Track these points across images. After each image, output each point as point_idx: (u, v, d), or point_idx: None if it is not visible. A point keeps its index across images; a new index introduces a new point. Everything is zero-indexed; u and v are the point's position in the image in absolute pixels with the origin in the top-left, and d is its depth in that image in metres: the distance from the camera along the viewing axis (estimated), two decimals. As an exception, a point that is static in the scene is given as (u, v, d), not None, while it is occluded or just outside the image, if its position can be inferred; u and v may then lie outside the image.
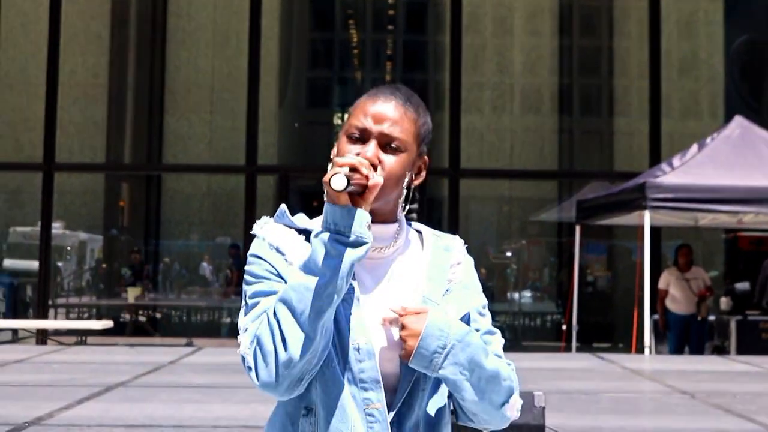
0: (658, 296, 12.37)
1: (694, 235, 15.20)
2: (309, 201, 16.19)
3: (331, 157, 1.93)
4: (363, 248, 1.82)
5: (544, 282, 18.29)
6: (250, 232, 1.97)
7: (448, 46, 16.04)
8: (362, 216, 1.82)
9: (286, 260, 1.91)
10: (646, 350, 11.18)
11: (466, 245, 2.08)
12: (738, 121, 12.13)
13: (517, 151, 17.41)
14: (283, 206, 2.00)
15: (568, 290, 13.89)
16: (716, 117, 17.16)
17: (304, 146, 19.38)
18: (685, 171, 11.37)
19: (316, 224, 1.94)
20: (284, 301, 1.81)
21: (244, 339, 1.86)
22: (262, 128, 15.56)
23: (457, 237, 2.12)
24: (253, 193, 15.32)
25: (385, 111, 1.93)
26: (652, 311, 11.69)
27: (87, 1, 17.31)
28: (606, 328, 16.48)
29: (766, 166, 11.29)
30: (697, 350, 12.19)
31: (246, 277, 1.93)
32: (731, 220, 12.65)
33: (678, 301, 12.33)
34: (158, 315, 17.08)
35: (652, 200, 10.95)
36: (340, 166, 1.79)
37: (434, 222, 16.40)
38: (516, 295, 17.47)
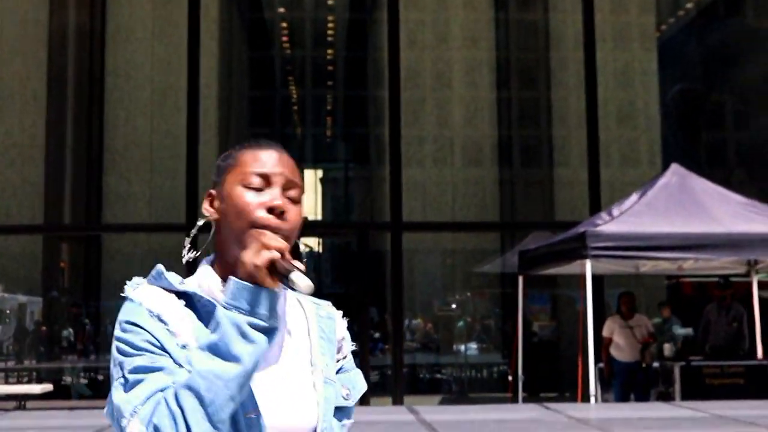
0: (602, 344, 12.41)
1: (636, 282, 15.30)
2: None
3: (208, 214, 1.86)
4: (276, 333, 1.72)
5: (490, 333, 18.30)
6: (122, 294, 1.80)
7: (387, 100, 16.11)
8: (280, 298, 1.74)
9: (168, 330, 1.76)
10: (592, 399, 11.19)
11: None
12: (674, 168, 12.25)
13: (458, 203, 17.47)
14: (160, 266, 1.85)
15: (513, 341, 13.90)
16: (654, 165, 17.36)
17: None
18: (625, 219, 11.44)
19: (192, 286, 1.84)
20: (190, 389, 1.64)
21: (135, 424, 1.66)
22: (202, 186, 15.48)
23: (330, 303, 2.03)
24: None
25: (279, 158, 1.86)
26: (597, 359, 11.71)
27: (23, 61, 17.18)
28: (552, 377, 16.49)
29: (704, 213, 11.40)
30: (643, 397, 12.23)
31: (121, 346, 1.75)
32: (671, 266, 12.76)
33: (622, 349, 12.38)
34: (99, 377, 16.81)
35: (592, 249, 10.99)
36: (278, 249, 1.68)
37: (378, 276, 16.42)
38: (462, 347, 17.45)
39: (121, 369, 1.73)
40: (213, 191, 1.88)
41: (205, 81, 16.25)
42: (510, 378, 13.85)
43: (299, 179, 1.88)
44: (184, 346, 1.75)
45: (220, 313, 1.68)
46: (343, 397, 1.93)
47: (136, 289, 1.82)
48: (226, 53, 18.69)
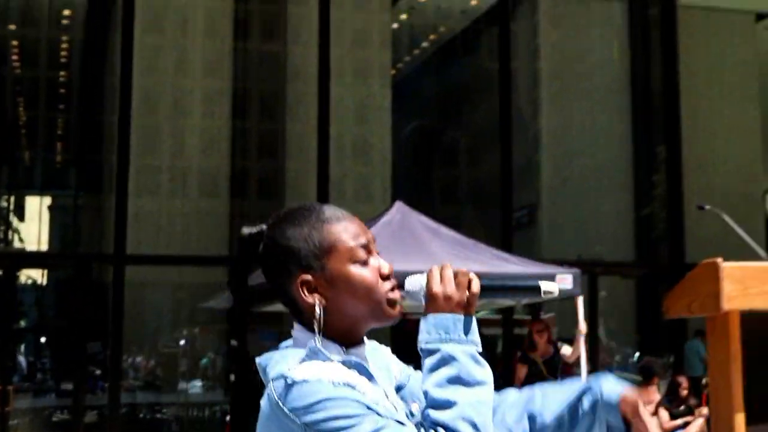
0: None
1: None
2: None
3: (315, 302, 1.87)
4: None
5: (215, 371, 17.99)
6: (290, 380, 1.74)
7: (116, 125, 15.66)
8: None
9: (359, 392, 1.77)
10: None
11: None
12: (398, 206, 12.38)
13: (189, 235, 17.16)
14: (314, 343, 1.83)
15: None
16: (386, 201, 17.62)
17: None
18: (346, 256, 11.48)
19: (336, 356, 1.84)
20: (465, 419, 1.75)
21: None
22: None
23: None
24: None
25: (357, 220, 1.97)
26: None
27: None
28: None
29: (423, 251, 11.59)
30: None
31: (339, 423, 1.71)
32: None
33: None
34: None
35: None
36: (468, 275, 1.89)
37: (100, 310, 15.87)
38: (185, 385, 17.05)
39: None
40: (309, 278, 1.87)
41: None
42: (228, 418, 13.62)
43: None
44: (376, 403, 1.77)
45: (447, 347, 1.81)
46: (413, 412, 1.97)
47: (297, 369, 1.78)
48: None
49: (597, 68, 19.52)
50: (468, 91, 21.45)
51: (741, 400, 5.83)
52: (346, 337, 1.88)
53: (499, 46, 17.64)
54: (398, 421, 1.77)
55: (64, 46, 20.34)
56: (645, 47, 19.50)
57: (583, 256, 17.04)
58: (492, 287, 1.95)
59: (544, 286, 1.91)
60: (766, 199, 23.45)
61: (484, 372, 1.82)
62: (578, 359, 10.97)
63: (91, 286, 15.06)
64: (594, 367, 15.31)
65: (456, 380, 1.79)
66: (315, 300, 1.86)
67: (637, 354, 18.44)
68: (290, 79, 18.46)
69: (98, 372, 16.33)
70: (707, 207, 7.93)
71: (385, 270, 1.93)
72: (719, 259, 5.94)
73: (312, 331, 1.88)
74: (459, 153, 22.09)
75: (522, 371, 11.52)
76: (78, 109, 20.33)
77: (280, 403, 1.75)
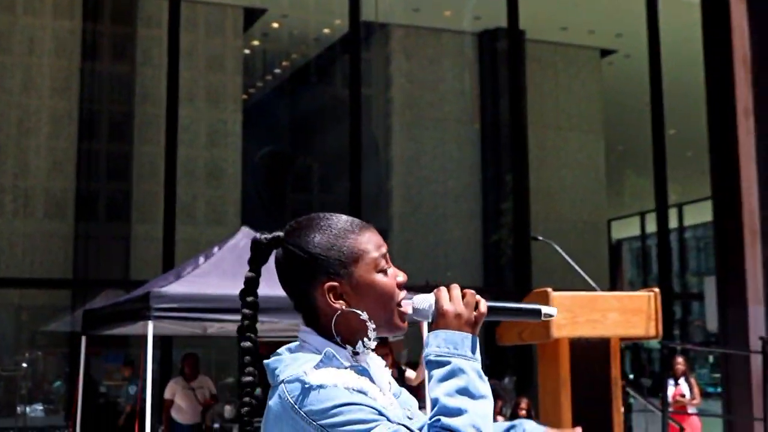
0: (164, 406, 12.21)
1: (207, 342, 15.27)
2: None
3: (338, 306, 2.00)
4: None
5: (57, 394, 17.55)
6: (306, 385, 1.87)
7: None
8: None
9: (371, 398, 1.89)
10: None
11: None
12: (244, 231, 12.31)
13: (33, 257, 16.71)
14: (330, 349, 1.96)
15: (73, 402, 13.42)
16: (236, 224, 17.51)
17: None
18: (191, 280, 11.32)
19: (346, 362, 1.96)
20: (475, 427, 1.87)
21: None
22: None
23: None
24: None
25: (378, 233, 2.09)
26: (160, 422, 11.51)
27: None
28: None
29: (269, 276, 11.50)
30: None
31: (355, 427, 1.83)
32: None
33: (183, 411, 12.24)
34: None
35: (156, 310, 10.75)
36: (476, 296, 2.04)
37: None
38: (27, 409, 16.59)
39: None
40: (335, 284, 2.00)
41: None
42: (70, 441, 13.33)
43: None
44: (384, 408, 1.89)
45: (458, 361, 1.94)
46: (410, 417, 2.09)
47: (314, 374, 1.89)
48: None
49: (448, 98, 19.82)
50: (321, 117, 21.51)
51: (570, 423, 5.99)
52: (356, 344, 2.02)
53: (351, 74, 17.78)
54: (407, 427, 1.90)
55: None
56: (494, 79, 19.91)
57: (432, 281, 17.22)
58: (496, 308, 2.09)
59: (545, 309, 2.05)
60: (610, 227, 24.18)
61: (487, 388, 1.95)
62: (422, 383, 11.09)
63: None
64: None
65: (464, 391, 1.91)
66: (341, 306, 1.99)
67: (482, 378, 18.70)
68: (139, 102, 18.21)
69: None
70: (540, 238, 8.11)
71: (401, 279, 2.07)
72: (549, 289, 6.11)
73: (325, 336, 2.02)
74: (311, 179, 22.10)
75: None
76: None
77: (296, 406, 1.87)
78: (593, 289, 6.74)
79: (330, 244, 2.02)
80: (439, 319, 2.01)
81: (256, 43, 20.36)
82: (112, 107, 19.09)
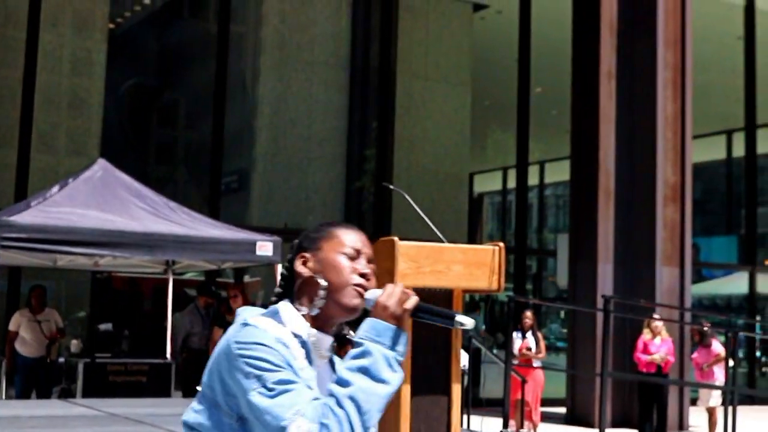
0: (7, 338, 11.96)
1: (61, 275, 14.98)
2: None
3: (303, 272, 2.33)
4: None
5: None
6: (243, 322, 2.19)
7: None
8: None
9: (292, 356, 2.16)
10: (-12, 395, 10.74)
11: None
12: (101, 163, 12.09)
13: None
14: (279, 306, 2.31)
15: None
16: (97, 156, 17.16)
17: None
18: (42, 209, 11.07)
19: (298, 329, 2.25)
20: (352, 399, 2.08)
21: (302, 422, 2.06)
22: None
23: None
24: None
25: (365, 239, 2.38)
26: (2, 354, 11.28)
27: None
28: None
29: (124, 210, 11.35)
30: (45, 394, 11.94)
31: (256, 362, 2.12)
32: (88, 261, 12.57)
33: (28, 344, 12.01)
34: None
35: (3, 239, 10.50)
36: (409, 295, 2.25)
37: None
38: None
39: (259, 380, 2.11)
40: (306, 254, 2.35)
41: None
42: None
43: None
44: (301, 370, 2.17)
45: (370, 345, 2.16)
46: None
47: (257, 318, 2.22)
48: None
49: (319, 41, 19.68)
50: (189, 52, 21.14)
51: (408, 374, 6.08)
52: (314, 318, 2.31)
53: (221, 10, 17.51)
54: (309, 387, 2.15)
55: None
56: (366, 24, 19.86)
57: (291, 224, 17.21)
58: (422, 308, 2.27)
59: (459, 318, 2.24)
60: (472, 181, 24.50)
61: (393, 376, 2.15)
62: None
63: None
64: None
65: (364, 370, 2.13)
66: (303, 271, 2.33)
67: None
68: (0, 23, 17.58)
69: None
70: (392, 187, 8.14)
71: (363, 270, 2.33)
72: (395, 238, 6.16)
73: (293, 299, 2.35)
74: (177, 114, 21.76)
75: (218, 334, 11.55)
76: None
77: (230, 337, 2.19)
78: (441, 241, 6.81)
79: (315, 230, 2.41)
80: (373, 309, 2.25)
81: (126, -29, 19.86)
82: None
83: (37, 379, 12.06)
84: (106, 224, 10.95)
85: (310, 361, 2.24)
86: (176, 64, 21.29)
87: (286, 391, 2.09)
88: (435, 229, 6.77)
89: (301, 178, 18.78)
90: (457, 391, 6.46)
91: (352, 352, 2.17)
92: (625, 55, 15.88)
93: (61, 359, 12.25)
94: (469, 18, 21.29)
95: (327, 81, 19.40)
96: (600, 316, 13.36)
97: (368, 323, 2.20)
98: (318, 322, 2.30)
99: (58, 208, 11.12)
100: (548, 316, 27.59)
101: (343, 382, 2.11)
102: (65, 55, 17.45)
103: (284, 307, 2.30)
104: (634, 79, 15.82)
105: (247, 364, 2.12)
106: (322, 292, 2.28)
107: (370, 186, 18.93)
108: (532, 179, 22.84)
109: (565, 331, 22.45)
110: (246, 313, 2.25)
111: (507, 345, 12.13)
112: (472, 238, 21.91)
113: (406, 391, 6.20)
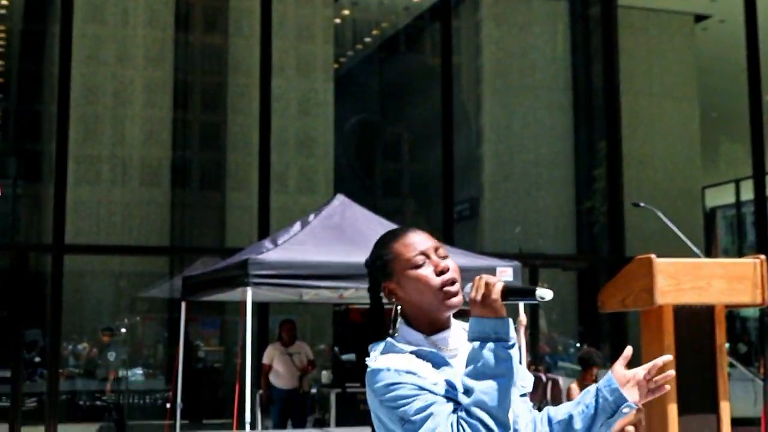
0: (261, 371, 12.40)
1: (303, 309, 15.43)
2: None
3: (392, 302, 2.43)
4: (516, 348, 2.27)
5: (156, 359, 17.90)
6: (369, 369, 2.35)
7: (55, 115, 15.50)
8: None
9: (419, 377, 2.29)
10: (248, 425, 11.12)
11: None
12: (340, 198, 12.42)
13: (130, 225, 17.04)
14: (390, 339, 2.40)
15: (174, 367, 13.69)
16: (329, 193, 17.63)
17: None
18: (287, 247, 11.44)
19: (417, 346, 2.37)
20: (479, 404, 2.19)
21: None
22: None
23: None
24: None
25: (419, 233, 2.47)
26: (257, 386, 11.69)
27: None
28: (216, 403, 16.31)
29: (364, 243, 11.59)
30: (300, 424, 12.30)
31: (397, 402, 2.27)
32: (333, 295, 12.87)
33: (281, 376, 12.41)
34: None
35: (254, 276, 10.90)
36: (494, 284, 2.27)
37: (37, 299, 15.71)
38: (127, 373, 16.95)
39: (402, 418, 2.27)
40: (387, 285, 2.43)
41: None
42: (168, 405, 13.57)
43: (437, 240, 2.46)
44: (435, 384, 2.29)
45: (477, 345, 2.25)
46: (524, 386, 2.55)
47: (378, 360, 2.36)
48: None
49: (539, 65, 19.66)
50: (410, 86, 21.49)
51: (674, 392, 5.96)
52: (428, 326, 2.41)
53: (442, 42, 17.73)
54: (447, 398, 2.27)
55: (1, 35, 20.05)
56: (586, 45, 19.70)
57: (524, 249, 17.19)
58: (510, 291, 2.29)
59: (539, 291, 2.25)
60: (704, 195, 23.83)
61: (505, 367, 2.22)
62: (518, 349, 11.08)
63: (30, 276, 14.89)
64: (534, 357, 15.49)
65: (480, 373, 2.22)
66: (395, 299, 2.44)
67: (577, 344, 18.69)
68: (232, 72, 18.39)
69: (37, 359, 16.17)
70: (642, 204, 8.01)
71: (440, 267, 2.38)
72: (653, 256, 6.06)
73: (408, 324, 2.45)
74: (401, 147, 22.12)
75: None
76: (17, 98, 20.05)
77: (368, 385, 2.36)
78: (696, 256, 6.66)
79: (376, 256, 2.46)
80: (470, 305, 2.31)
81: (346, 12, 20.40)
82: (205, 77, 19.32)
83: (291, 410, 12.45)
84: (349, 257, 11.21)
85: (445, 363, 2.36)
86: (397, 98, 21.66)
87: (426, 417, 2.24)
88: (691, 245, 6.65)
89: (529, 203, 18.75)
90: (725, 408, 6.29)
91: (469, 354, 2.27)
92: None
93: (313, 390, 12.61)
94: (691, 30, 20.80)
95: (550, 104, 19.33)
96: None
97: (470, 324, 2.29)
98: (434, 327, 2.42)
99: (302, 245, 11.49)
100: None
101: (467, 390, 2.23)
102: (293, 97, 18.05)
103: (405, 332, 2.43)
104: None
105: (390, 407, 2.28)
106: (423, 309, 2.40)
107: (601, 206, 18.69)
108: (768, 190, 22.02)
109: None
110: (369, 361, 2.39)
111: (766, 361, 11.68)
112: (708, 253, 21.28)
113: (673, 410, 6.08)
